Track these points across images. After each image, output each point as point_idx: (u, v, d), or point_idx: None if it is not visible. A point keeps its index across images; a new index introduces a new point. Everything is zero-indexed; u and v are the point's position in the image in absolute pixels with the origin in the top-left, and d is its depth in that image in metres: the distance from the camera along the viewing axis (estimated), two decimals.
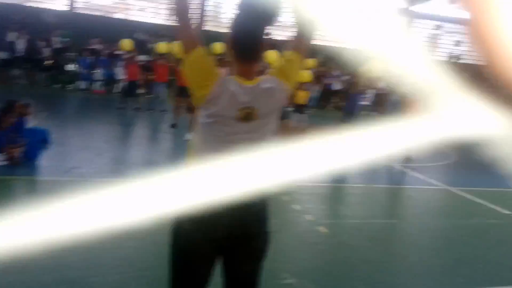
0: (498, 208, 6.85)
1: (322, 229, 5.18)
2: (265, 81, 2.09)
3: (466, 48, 24.75)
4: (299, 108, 11.44)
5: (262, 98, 2.06)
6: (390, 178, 8.37)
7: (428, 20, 23.65)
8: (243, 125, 2.04)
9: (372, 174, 8.25)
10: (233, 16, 2.10)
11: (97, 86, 15.65)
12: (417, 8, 22.98)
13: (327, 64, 18.76)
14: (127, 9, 20.15)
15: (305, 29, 2.22)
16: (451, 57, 24.11)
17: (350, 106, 9.26)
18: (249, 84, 2.05)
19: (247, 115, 2.03)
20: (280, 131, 7.78)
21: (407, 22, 23.20)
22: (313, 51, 20.71)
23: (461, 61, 24.27)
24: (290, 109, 9.07)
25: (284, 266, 4.15)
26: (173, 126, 10.26)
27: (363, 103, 17.31)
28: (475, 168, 10.28)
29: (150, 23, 18.88)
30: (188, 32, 2.01)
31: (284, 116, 8.87)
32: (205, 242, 2.10)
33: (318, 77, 17.33)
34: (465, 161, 10.91)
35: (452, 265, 4.78)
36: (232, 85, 2.03)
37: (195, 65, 2.02)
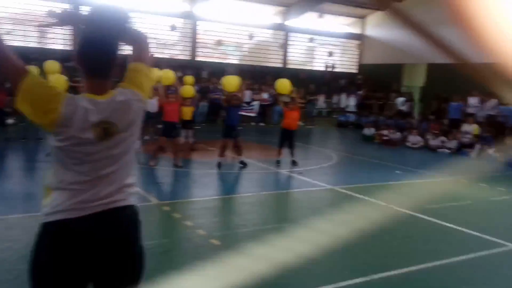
0: (376, 201, 7.40)
1: (214, 241, 5.12)
2: (119, 94, 2.00)
3: (338, 58, 26.78)
4: (186, 124, 11.33)
5: (120, 112, 1.97)
6: (278, 184, 8.62)
7: (303, 34, 25.15)
8: (103, 143, 1.93)
9: (261, 181, 8.44)
10: (80, 31, 2.00)
11: None
12: (291, 22, 24.35)
13: (212, 78, 18.97)
14: None
15: (141, 39, 2.18)
16: (326, 66, 25.88)
17: (230, 119, 9.38)
18: (102, 99, 1.95)
19: (106, 132, 1.92)
20: (170, 148, 7.54)
21: (283, 36, 24.45)
22: (199, 67, 20.86)
23: (335, 69, 26.18)
24: (178, 126, 8.92)
25: (177, 285, 3.99)
26: (48, 155, 9.50)
27: (249, 114, 17.76)
28: (352, 167, 11.07)
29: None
30: (9, 62, 1.83)
31: (173, 133, 8.71)
32: (69, 269, 1.91)
33: (205, 92, 17.41)
34: (343, 161, 11.70)
35: (340, 258, 5.02)
36: (84, 102, 1.90)
37: (32, 93, 1.85)
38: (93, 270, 1.96)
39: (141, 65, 2.14)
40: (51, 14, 2.00)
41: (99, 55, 1.94)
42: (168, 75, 9.02)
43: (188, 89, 10.97)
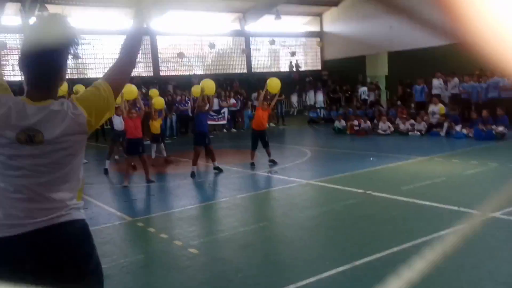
0: (353, 189, 7.38)
1: (192, 250, 4.97)
2: (56, 104, 1.86)
3: (302, 57, 26.98)
4: (157, 138, 11.15)
5: (49, 121, 1.82)
6: (254, 185, 8.52)
7: (263, 37, 25.24)
8: (27, 148, 1.79)
9: (237, 185, 8.32)
10: (23, 39, 1.89)
11: None
12: (250, 27, 24.42)
13: (178, 92, 18.80)
14: None
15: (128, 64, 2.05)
16: (291, 66, 26.03)
17: (200, 126, 9.27)
18: (35, 105, 1.82)
19: (29, 138, 1.79)
20: (140, 164, 7.26)
21: (244, 42, 24.48)
22: (164, 81, 20.64)
23: (300, 68, 26.35)
24: (141, 142, 8.71)
25: None
26: None
27: (219, 123, 17.65)
28: (326, 160, 11.07)
29: None
30: None
31: (139, 150, 8.52)
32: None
33: (172, 105, 17.21)
34: (317, 156, 11.70)
35: (321, 249, 4.94)
36: (14, 103, 1.78)
37: None
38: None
39: (107, 85, 1.97)
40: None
41: (37, 68, 1.83)
42: (130, 90, 8.82)
43: (159, 101, 10.80)
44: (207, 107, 9.36)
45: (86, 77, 20.53)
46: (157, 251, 5.19)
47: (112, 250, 5.13)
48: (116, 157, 10.88)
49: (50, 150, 1.83)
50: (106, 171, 9.99)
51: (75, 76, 20.30)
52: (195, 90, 9.39)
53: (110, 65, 2.07)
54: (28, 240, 1.75)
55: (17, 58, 1.87)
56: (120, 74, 2.04)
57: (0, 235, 1.73)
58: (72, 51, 1.89)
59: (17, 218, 1.76)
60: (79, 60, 20.16)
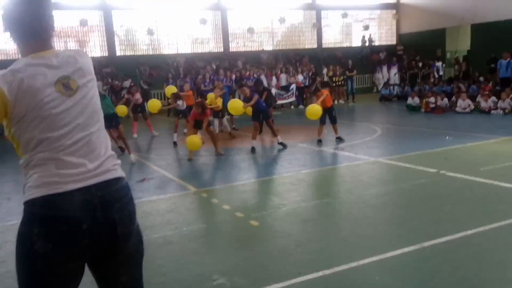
0: (425, 168, 6.95)
1: (253, 222, 4.94)
2: (62, 51, 1.85)
3: (375, 31, 25.81)
4: (217, 113, 11.25)
5: (71, 64, 1.82)
6: (319, 161, 8.32)
7: (335, 11, 24.41)
8: (68, 99, 1.77)
9: (301, 161, 8.17)
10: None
11: None
12: (322, 0, 23.68)
13: (246, 66, 18.81)
14: None
15: None
16: (364, 41, 25.01)
17: (258, 105, 9.22)
18: (49, 54, 1.79)
19: (66, 86, 1.77)
20: (206, 136, 7.36)
21: (315, 16, 23.83)
22: (233, 57, 20.70)
23: (374, 43, 25.26)
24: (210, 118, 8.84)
25: (215, 268, 3.85)
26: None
27: (288, 100, 17.45)
28: (397, 138, 10.55)
29: None
30: None
31: (207, 123, 8.63)
32: (64, 259, 1.72)
33: (240, 80, 17.28)
34: (388, 133, 11.18)
35: (387, 228, 4.70)
36: (27, 66, 1.73)
37: None
38: (91, 250, 1.78)
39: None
40: None
41: (30, 19, 1.75)
42: (194, 140, 8.30)
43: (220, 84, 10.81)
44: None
45: (161, 53, 21.14)
46: (219, 222, 5.23)
47: (176, 218, 5.24)
48: (185, 130, 11.12)
49: (84, 94, 1.82)
50: (175, 144, 10.28)
51: (150, 53, 21.00)
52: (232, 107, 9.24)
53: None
54: (82, 198, 1.72)
55: (3, 15, 1.78)
56: None
57: (52, 191, 1.70)
58: None
59: (68, 175, 1.73)
60: (153, 36, 20.77)
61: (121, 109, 10.37)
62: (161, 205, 5.82)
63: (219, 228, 4.97)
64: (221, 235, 4.76)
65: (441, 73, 20.04)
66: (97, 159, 1.81)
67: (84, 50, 1.95)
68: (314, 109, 9.12)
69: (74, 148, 1.77)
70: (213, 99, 10.70)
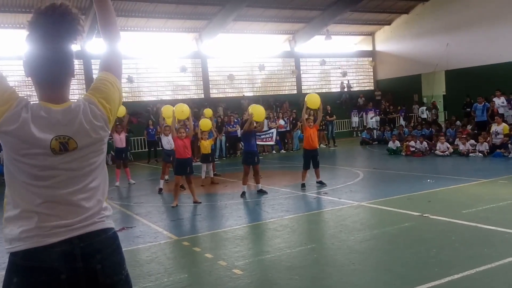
0: (408, 212, 6.94)
1: (237, 271, 4.78)
2: (76, 105, 1.77)
3: (353, 77, 26.56)
4: (207, 158, 11.18)
5: (78, 124, 1.73)
6: (303, 206, 8.23)
7: (313, 58, 25.13)
8: (60, 157, 1.70)
9: (285, 206, 8.08)
10: (25, 38, 1.76)
11: None
12: (300, 48, 24.40)
13: (227, 112, 18.96)
14: None
15: (114, 46, 1.96)
16: (343, 87, 25.66)
17: (249, 146, 9.21)
18: (58, 108, 1.72)
19: (64, 145, 1.70)
20: (189, 184, 7.16)
21: (294, 63, 24.47)
22: (214, 103, 20.93)
23: (352, 88, 25.91)
24: (190, 162, 8.70)
25: None
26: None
27: (267, 143, 17.53)
28: (380, 182, 10.60)
29: None
30: None
31: (187, 170, 8.53)
32: None
33: (222, 127, 17.35)
34: (370, 177, 11.24)
35: (373, 274, 4.59)
36: (35, 111, 1.68)
37: None
38: None
39: (110, 74, 1.91)
40: None
41: (48, 63, 1.72)
42: (181, 109, 8.86)
43: (205, 122, 10.83)
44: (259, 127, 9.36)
45: (141, 100, 21.24)
46: (201, 271, 5.05)
47: (157, 269, 5.04)
48: (166, 177, 10.98)
49: (83, 154, 1.75)
50: (160, 191, 10.13)
51: (130, 100, 21.07)
52: (255, 111, 9.18)
53: (103, 58, 1.96)
54: (61, 250, 1.67)
55: (23, 63, 1.76)
56: (115, 59, 1.96)
57: (34, 245, 1.66)
58: (77, 41, 1.79)
59: (50, 228, 1.68)
60: (134, 84, 20.93)
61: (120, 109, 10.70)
62: (140, 255, 5.61)
63: (202, 278, 4.78)
64: (204, 285, 4.57)
65: (424, 115, 20.73)
66: (84, 213, 1.74)
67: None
68: (313, 97, 9.28)
69: (59, 203, 1.71)
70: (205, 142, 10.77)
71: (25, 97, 1.71)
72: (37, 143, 1.66)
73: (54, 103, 1.73)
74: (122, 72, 2.01)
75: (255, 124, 9.24)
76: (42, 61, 1.71)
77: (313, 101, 9.63)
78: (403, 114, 21.42)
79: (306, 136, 9.89)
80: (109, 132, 1.86)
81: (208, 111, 12.60)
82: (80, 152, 1.74)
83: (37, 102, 1.74)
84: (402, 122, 20.43)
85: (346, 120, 23.21)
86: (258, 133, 16.88)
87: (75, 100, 1.80)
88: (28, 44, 1.74)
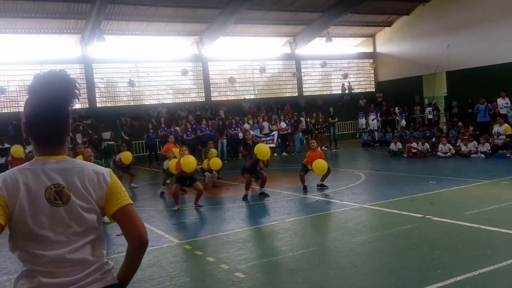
0: (411, 214, 6.92)
1: (239, 274, 4.76)
2: (77, 163, 1.83)
3: (354, 79, 26.55)
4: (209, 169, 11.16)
5: (73, 175, 1.77)
6: (305, 209, 8.22)
7: (314, 60, 25.12)
8: (55, 211, 1.72)
9: (286, 209, 8.06)
10: (25, 101, 1.83)
11: None
12: (301, 51, 24.40)
13: (229, 116, 18.96)
14: None
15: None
16: (344, 89, 25.64)
17: (248, 166, 9.22)
18: (53, 159, 1.78)
19: (57, 194, 1.72)
20: (196, 190, 7.10)
21: (295, 65, 24.47)
22: (215, 106, 20.92)
23: (353, 90, 25.89)
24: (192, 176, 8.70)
25: None
26: None
27: (268, 145, 17.49)
28: (382, 184, 10.58)
29: None
30: None
31: (188, 182, 8.56)
32: None
33: (223, 129, 17.35)
34: (372, 179, 11.21)
35: (375, 277, 4.57)
36: (32, 172, 1.73)
37: None
38: None
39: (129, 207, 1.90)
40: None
41: (47, 125, 1.78)
42: (188, 161, 8.39)
43: (217, 161, 10.63)
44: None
45: (142, 104, 21.27)
46: (203, 275, 5.03)
47: (159, 273, 5.03)
48: (168, 181, 10.97)
49: (78, 210, 1.75)
50: (162, 194, 10.15)
51: (131, 103, 21.10)
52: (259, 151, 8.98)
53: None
54: None
55: (22, 124, 1.83)
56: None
57: None
58: (73, 104, 1.86)
59: (51, 285, 1.70)
60: (135, 88, 20.96)
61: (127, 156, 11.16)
62: (142, 259, 5.58)
63: (204, 282, 4.77)
64: None
65: (430, 116, 20.80)
66: (84, 270, 1.75)
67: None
68: (321, 164, 9.10)
69: (60, 262, 1.72)
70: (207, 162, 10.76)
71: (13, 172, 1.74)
72: (32, 197, 1.69)
73: (49, 156, 1.79)
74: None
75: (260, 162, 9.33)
76: (40, 123, 1.78)
77: (320, 168, 9.20)
78: (404, 115, 21.38)
79: (309, 158, 9.71)
80: (99, 212, 1.83)
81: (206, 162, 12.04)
82: (75, 203, 1.74)
83: (31, 162, 1.79)
84: (403, 124, 20.39)
85: (348, 122, 23.18)
86: (259, 136, 16.94)
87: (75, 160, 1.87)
88: (28, 106, 1.80)
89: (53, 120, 1.78)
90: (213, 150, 11.68)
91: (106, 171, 1.87)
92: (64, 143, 1.85)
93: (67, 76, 1.82)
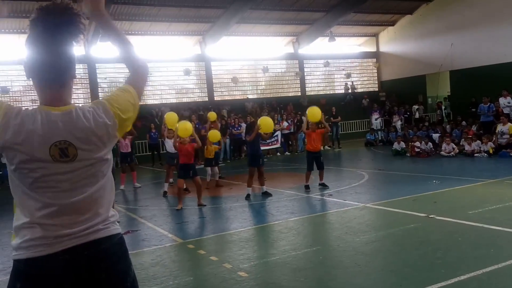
0: (414, 213, 6.90)
1: (242, 274, 4.76)
2: (81, 109, 1.73)
3: (357, 78, 26.50)
4: (210, 162, 11.20)
5: (80, 129, 1.68)
6: (308, 208, 8.21)
7: (317, 60, 25.08)
8: (61, 165, 1.66)
9: (289, 208, 8.06)
10: (26, 39, 1.72)
11: None
12: (304, 50, 24.37)
13: (232, 115, 18.96)
14: None
15: (136, 70, 1.93)
16: (347, 88, 25.59)
17: (254, 148, 9.20)
18: (58, 111, 1.68)
19: (63, 151, 1.65)
20: (196, 188, 7.12)
21: (298, 65, 24.43)
22: (218, 106, 20.94)
23: (356, 90, 25.84)
24: (193, 166, 8.68)
25: None
26: None
27: (273, 147, 17.53)
28: (385, 183, 10.56)
29: None
30: None
31: (191, 174, 8.52)
32: None
33: (226, 128, 17.36)
34: (375, 178, 11.19)
35: (379, 276, 4.56)
36: (32, 116, 1.64)
37: None
38: None
39: (130, 87, 1.88)
40: None
41: (49, 64, 1.68)
42: (185, 127, 8.46)
43: (214, 134, 10.64)
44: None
45: (145, 103, 21.27)
46: (206, 274, 5.04)
47: (162, 272, 5.04)
48: (171, 180, 10.99)
49: (85, 163, 1.70)
50: (165, 194, 10.15)
51: None
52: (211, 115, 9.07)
53: (129, 76, 1.94)
54: (65, 258, 1.65)
55: (23, 65, 1.72)
56: (138, 79, 1.93)
57: (38, 254, 1.64)
58: (79, 39, 1.76)
59: (54, 237, 1.66)
60: None
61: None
62: (145, 258, 5.60)
63: (207, 281, 4.77)
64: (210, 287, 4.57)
65: (417, 115, 20.79)
66: (88, 221, 1.72)
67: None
68: (315, 110, 9.27)
69: (63, 212, 1.68)
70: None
71: (16, 106, 1.67)
72: (35, 151, 1.62)
73: (55, 106, 1.69)
74: (143, 90, 1.96)
75: (262, 134, 9.29)
76: (42, 61, 1.68)
77: (314, 114, 9.48)
78: (402, 115, 21.24)
79: (308, 140, 9.86)
80: (116, 138, 1.81)
81: (212, 114, 12.58)
82: (82, 160, 1.69)
83: (35, 107, 1.70)
84: (398, 125, 20.23)
85: (351, 121, 23.11)
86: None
87: (79, 105, 1.76)
88: (29, 44, 1.70)
89: (55, 57, 1.68)
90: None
91: (104, 105, 1.77)
92: (69, 87, 1.75)
93: (70, 6, 1.72)
